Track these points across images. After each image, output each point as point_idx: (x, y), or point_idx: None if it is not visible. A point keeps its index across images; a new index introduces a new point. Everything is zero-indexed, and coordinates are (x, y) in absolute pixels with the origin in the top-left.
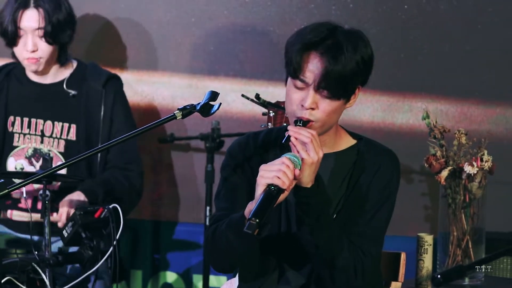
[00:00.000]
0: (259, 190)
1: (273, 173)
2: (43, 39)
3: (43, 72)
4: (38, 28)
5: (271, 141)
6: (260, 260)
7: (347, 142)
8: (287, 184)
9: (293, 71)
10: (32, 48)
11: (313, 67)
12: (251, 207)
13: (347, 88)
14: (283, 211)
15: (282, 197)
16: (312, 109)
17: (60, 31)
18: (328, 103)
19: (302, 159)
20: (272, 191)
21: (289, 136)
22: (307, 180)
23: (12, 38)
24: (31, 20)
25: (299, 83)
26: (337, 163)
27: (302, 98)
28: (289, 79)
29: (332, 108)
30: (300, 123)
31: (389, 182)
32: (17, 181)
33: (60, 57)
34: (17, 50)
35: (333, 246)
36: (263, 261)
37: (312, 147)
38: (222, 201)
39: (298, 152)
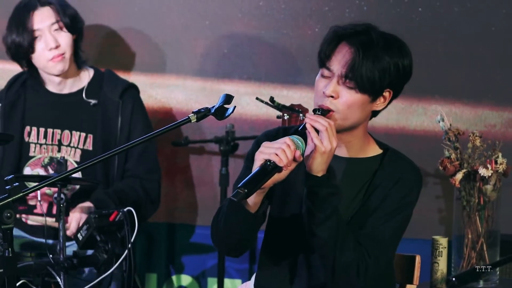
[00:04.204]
0: (256, 164)
1: (272, 150)
2: (64, 29)
3: (65, 75)
4: (55, 22)
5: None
6: (274, 261)
7: (374, 150)
8: (284, 162)
9: (321, 59)
10: (54, 44)
11: (341, 56)
12: None
13: (372, 84)
14: (303, 211)
15: (278, 176)
16: (333, 97)
17: (75, 21)
18: (350, 94)
19: (315, 147)
20: (268, 166)
21: (305, 124)
22: (318, 169)
23: (29, 44)
24: (44, 17)
25: (325, 72)
26: (360, 169)
27: (325, 86)
28: (319, 71)
29: (354, 101)
30: (319, 112)
31: (407, 195)
32: (32, 185)
33: (76, 56)
34: (37, 55)
35: (337, 241)
36: (277, 262)
37: (326, 136)
38: None
39: (312, 139)
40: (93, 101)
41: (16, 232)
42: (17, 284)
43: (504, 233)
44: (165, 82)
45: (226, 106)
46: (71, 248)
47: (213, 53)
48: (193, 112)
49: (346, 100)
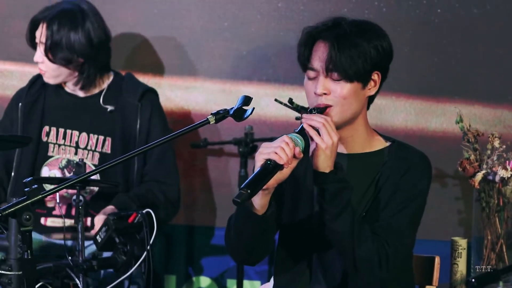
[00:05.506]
0: (257, 165)
1: (271, 149)
2: (44, 53)
3: (73, 87)
4: (41, 42)
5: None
6: (290, 264)
7: (379, 144)
8: (284, 160)
9: (302, 62)
10: (36, 59)
11: (320, 53)
12: None
13: (356, 70)
14: (315, 210)
15: (281, 175)
16: (326, 94)
17: (60, 52)
18: (341, 86)
19: (316, 144)
20: (268, 165)
21: (303, 125)
22: (324, 165)
23: (29, 41)
24: (40, 32)
25: (310, 73)
26: (367, 163)
27: (314, 87)
28: (305, 75)
29: (347, 91)
30: (315, 111)
31: (418, 182)
32: (50, 187)
33: (82, 76)
34: None
35: (354, 234)
36: (293, 264)
37: (326, 131)
38: None
39: (312, 138)
40: (110, 107)
41: (34, 234)
42: (36, 286)
43: None
44: (183, 84)
45: (244, 107)
46: (90, 249)
47: (232, 55)
48: (212, 114)
49: (340, 93)
